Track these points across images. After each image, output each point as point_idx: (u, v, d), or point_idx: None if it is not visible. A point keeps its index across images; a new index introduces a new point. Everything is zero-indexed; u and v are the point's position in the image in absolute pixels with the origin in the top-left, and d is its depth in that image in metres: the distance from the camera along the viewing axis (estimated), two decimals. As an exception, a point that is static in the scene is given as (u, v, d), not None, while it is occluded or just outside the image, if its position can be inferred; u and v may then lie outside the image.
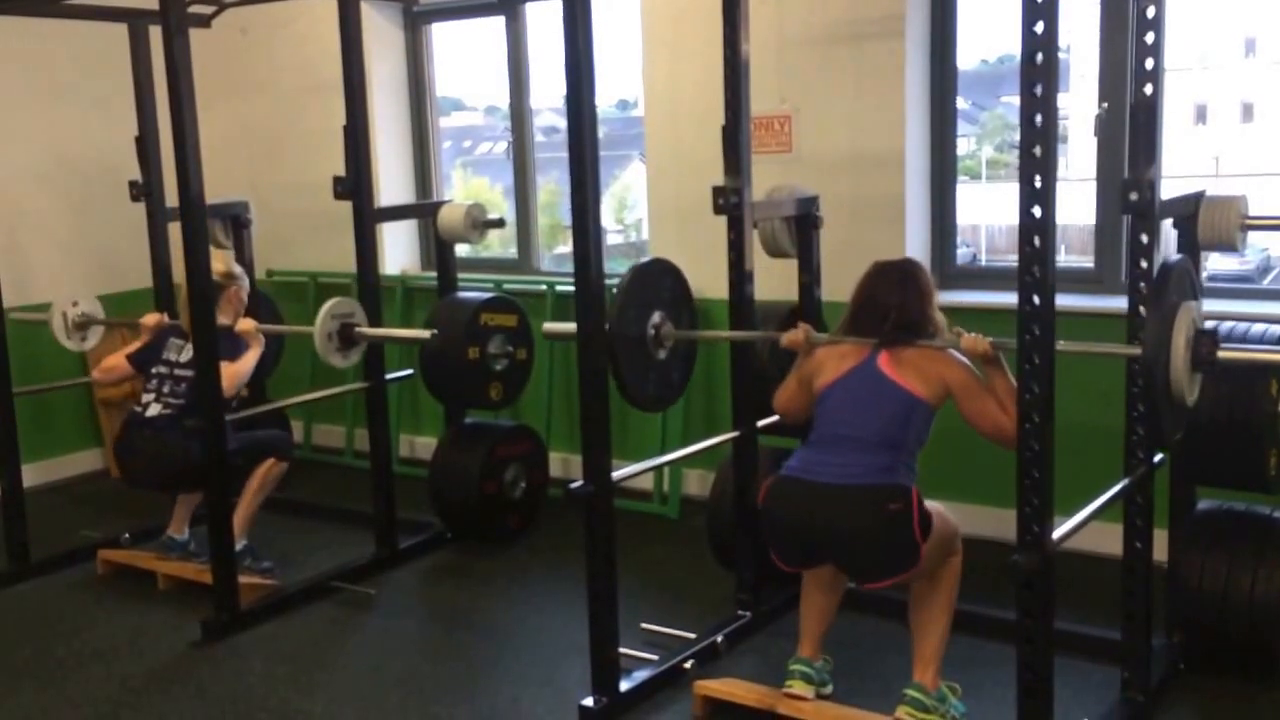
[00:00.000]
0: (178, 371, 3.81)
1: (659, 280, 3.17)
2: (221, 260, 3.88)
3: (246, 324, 3.84)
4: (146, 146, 4.47)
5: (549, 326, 3.22)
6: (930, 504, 2.66)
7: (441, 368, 4.13)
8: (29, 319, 4.35)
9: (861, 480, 2.58)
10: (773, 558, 2.77)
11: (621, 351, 3.00)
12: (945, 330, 2.80)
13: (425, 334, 3.85)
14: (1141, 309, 2.59)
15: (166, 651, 3.41)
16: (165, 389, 3.81)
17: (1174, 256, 2.59)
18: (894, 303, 2.76)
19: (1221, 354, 2.40)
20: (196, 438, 3.55)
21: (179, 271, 3.65)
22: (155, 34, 3.93)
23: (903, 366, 2.70)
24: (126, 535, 4.20)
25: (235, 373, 3.69)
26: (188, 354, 3.77)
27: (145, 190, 4.53)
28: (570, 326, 2.88)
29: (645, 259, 3.30)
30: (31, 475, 4.31)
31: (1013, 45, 4.46)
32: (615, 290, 3.08)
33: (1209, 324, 2.48)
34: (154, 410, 3.78)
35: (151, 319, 4.08)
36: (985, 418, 2.64)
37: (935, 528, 2.60)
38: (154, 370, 3.87)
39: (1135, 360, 2.54)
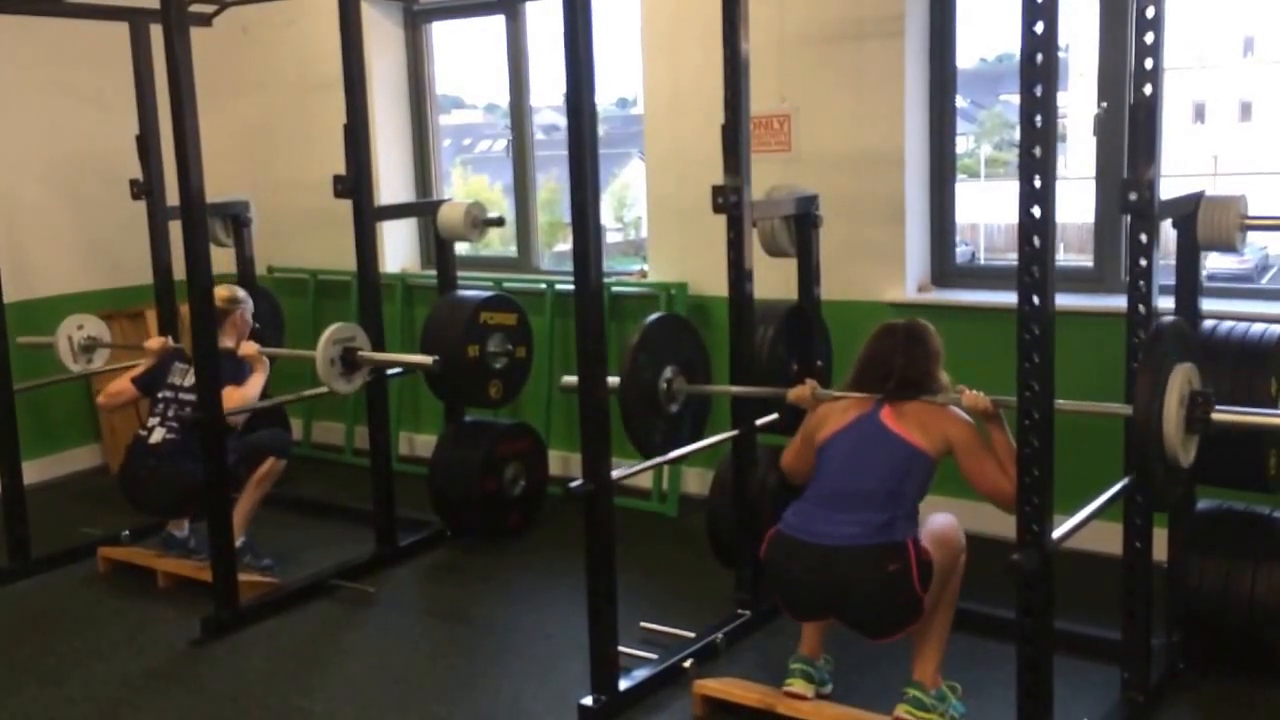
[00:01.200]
0: (182, 396, 3.82)
1: (673, 335, 3.19)
2: (225, 287, 3.90)
3: (249, 347, 3.85)
4: (147, 145, 4.47)
5: (566, 380, 3.11)
6: (930, 525, 2.67)
7: (441, 365, 4.13)
8: (35, 343, 4.35)
9: (859, 541, 2.58)
10: (780, 608, 2.80)
11: (632, 404, 3.01)
12: (949, 390, 2.81)
13: (427, 360, 3.83)
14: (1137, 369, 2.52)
15: (166, 649, 3.41)
16: (170, 413, 3.82)
17: (1167, 318, 2.57)
18: (899, 362, 2.77)
19: (1216, 416, 2.40)
20: (199, 462, 3.54)
21: (179, 269, 3.66)
22: (156, 32, 3.93)
23: (905, 419, 2.72)
24: (126, 532, 4.20)
25: (242, 397, 3.70)
26: (192, 378, 3.77)
27: (146, 188, 4.53)
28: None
29: (658, 314, 3.30)
30: (31, 472, 4.32)
31: (1011, 44, 4.48)
32: (629, 344, 3.07)
33: (1215, 322, 2.43)
34: (158, 436, 3.79)
35: (155, 343, 4.09)
36: (984, 477, 2.67)
37: (936, 566, 2.60)
38: (159, 395, 3.88)
39: (1128, 420, 2.49)
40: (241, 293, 4.02)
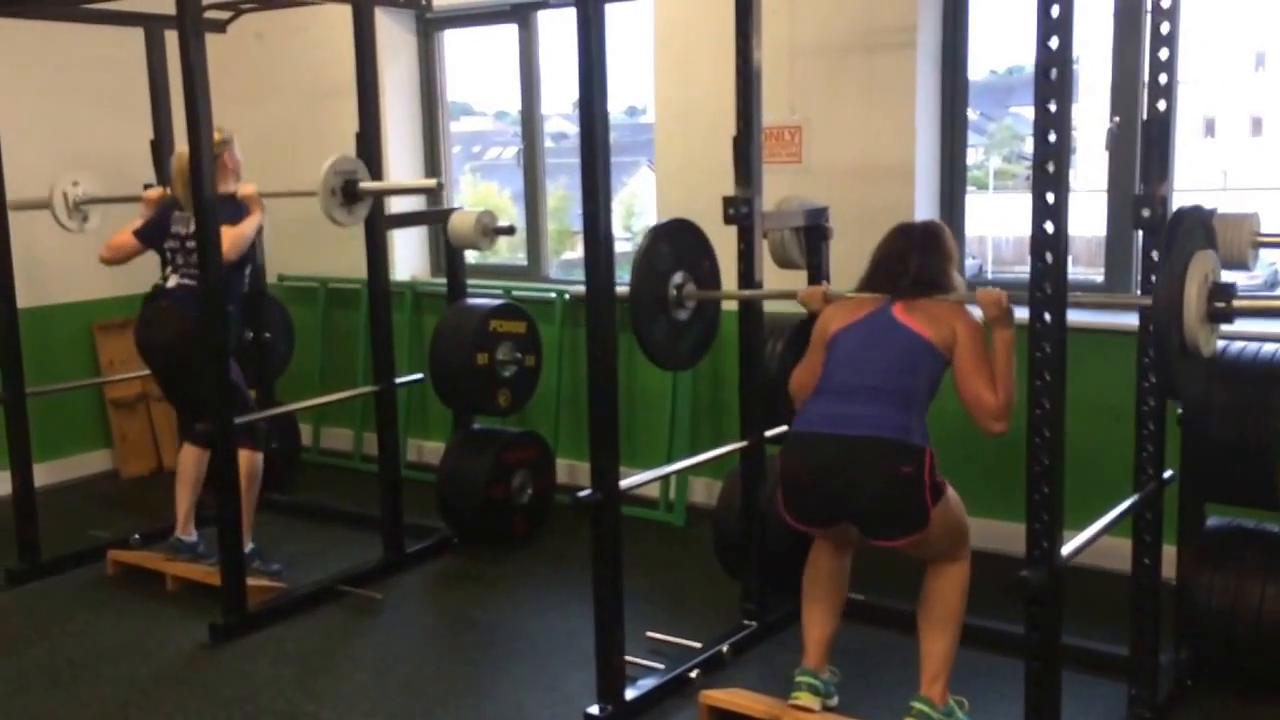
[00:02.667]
0: (188, 244, 3.80)
1: (682, 240, 3.11)
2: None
3: (247, 188, 3.79)
4: (161, 150, 4.49)
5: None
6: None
7: (451, 373, 4.14)
8: (27, 204, 4.23)
9: (876, 432, 2.55)
10: (785, 517, 2.71)
11: (642, 310, 2.96)
12: (964, 292, 2.77)
13: (431, 183, 3.82)
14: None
15: (174, 653, 3.42)
16: (180, 261, 3.83)
17: (1188, 205, 2.47)
18: (912, 264, 2.74)
19: (1239, 303, 2.31)
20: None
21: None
22: (171, 38, 3.95)
23: (915, 313, 2.68)
24: (136, 536, 4.22)
25: (237, 235, 3.65)
26: (193, 224, 3.66)
27: (159, 193, 4.54)
28: None
29: (672, 218, 3.19)
30: (42, 475, 4.33)
31: (1021, 56, 4.48)
32: (638, 248, 3.01)
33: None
34: (174, 281, 3.83)
35: (154, 193, 4.05)
36: (971, 381, 2.59)
37: (949, 502, 2.59)
38: (165, 246, 3.88)
39: (1147, 311, 2.40)
40: (226, 132, 3.86)
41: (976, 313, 2.70)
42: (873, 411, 2.58)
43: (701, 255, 3.15)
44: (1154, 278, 2.50)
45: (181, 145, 3.57)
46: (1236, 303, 2.30)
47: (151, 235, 3.92)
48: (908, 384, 2.62)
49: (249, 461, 3.82)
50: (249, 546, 3.77)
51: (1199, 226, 2.40)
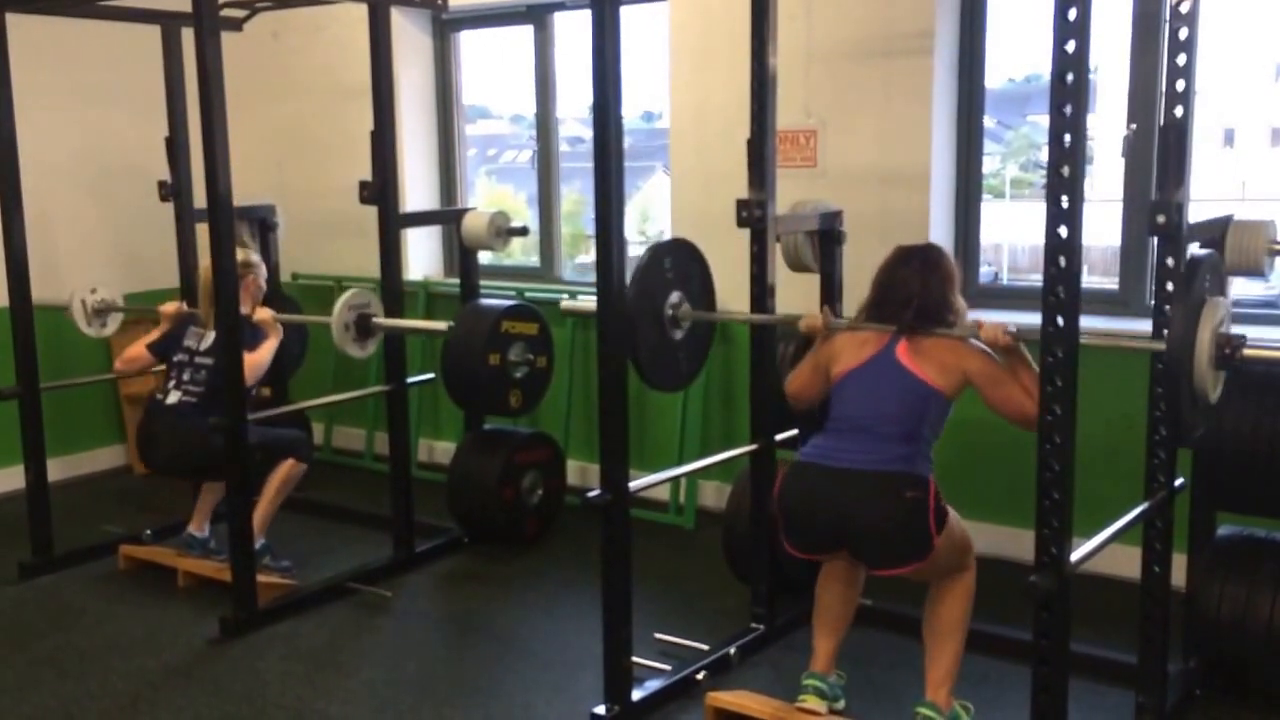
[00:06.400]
0: (198, 359, 3.85)
1: (679, 260, 3.13)
2: (239, 251, 3.84)
3: (264, 313, 3.84)
4: (176, 147, 4.50)
5: (566, 304, 3.17)
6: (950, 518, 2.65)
7: (462, 373, 4.16)
8: (49, 304, 4.35)
9: (880, 466, 2.58)
10: (785, 545, 2.75)
11: (638, 330, 2.97)
12: (965, 316, 2.79)
13: (442, 325, 3.89)
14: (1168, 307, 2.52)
15: (184, 647, 3.44)
16: (185, 376, 3.85)
17: (1201, 251, 2.51)
18: (915, 289, 2.75)
19: (1247, 352, 2.35)
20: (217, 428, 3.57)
21: (206, 272, 3.68)
22: (187, 36, 3.97)
23: (921, 357, 2.69)
24: (148, 531, 4.24)
25: (254, 362, 3.69)
26: (208, 342, 3.81)
27: (174, 190, 4.56)
28: (588, 305, 2.87)
29: (665, 239, 3.25)
30: (56, 469, 4.36)
31: (1039, 64, 4.47)
32: (635, 267, 3.03)
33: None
34: (174, 398, 3.83)
35: (170, 307, 4.09)
36: (1010, 404, 2.61)
37: (950, 525, 2.60)
38: (175, 358, 3.91)
39: (1159, 356, 2.44)
40: (255, 257, 4.03)
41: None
42: (874, 447, 2.61)
43: (695, 273, 3.17)
44: (1167, 306, 2.52)
45: (206, 260, 3.62)
46: (1245, 352, 2.35)
47: (165, 349, 3.97)
48: (912, 428, 2.64)
49: (292, 469, 3.88)
50: (259, 543, 3.79)
51: (1212, 272, 2.44)
